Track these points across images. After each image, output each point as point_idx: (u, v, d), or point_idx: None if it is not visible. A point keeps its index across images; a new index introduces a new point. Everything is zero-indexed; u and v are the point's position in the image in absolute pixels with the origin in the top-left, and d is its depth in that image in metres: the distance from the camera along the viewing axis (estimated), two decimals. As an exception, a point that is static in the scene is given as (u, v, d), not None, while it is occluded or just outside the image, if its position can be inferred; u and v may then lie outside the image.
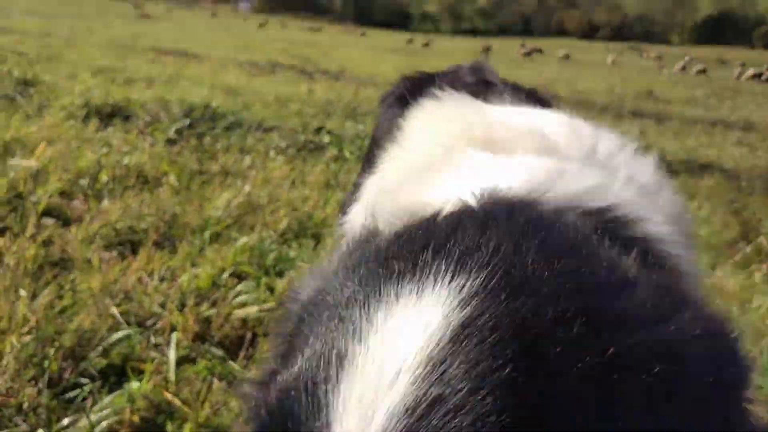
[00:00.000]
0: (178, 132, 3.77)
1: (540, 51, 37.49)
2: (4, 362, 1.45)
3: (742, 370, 0.45)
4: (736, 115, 8.78)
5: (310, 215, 2.65)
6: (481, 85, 0.98)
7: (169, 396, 1.45)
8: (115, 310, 1.71)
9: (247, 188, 2.85)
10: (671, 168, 4.16)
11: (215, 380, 1.53)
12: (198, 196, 2.71)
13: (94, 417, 1.35)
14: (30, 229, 2.08)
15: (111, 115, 4.04)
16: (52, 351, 1.50)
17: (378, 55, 18.79)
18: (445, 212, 0.54)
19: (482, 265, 0.44)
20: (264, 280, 2.03)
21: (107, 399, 1.42)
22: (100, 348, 1.57)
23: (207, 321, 1.76)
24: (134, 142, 3.45)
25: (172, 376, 1.52)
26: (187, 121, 3.94)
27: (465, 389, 0.37)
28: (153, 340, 1.66)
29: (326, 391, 0.40)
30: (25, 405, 1.37)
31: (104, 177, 2.76)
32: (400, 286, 0.44)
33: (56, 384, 1.45)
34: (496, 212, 0.52)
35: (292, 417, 0.42)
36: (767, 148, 5.94)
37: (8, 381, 1.41)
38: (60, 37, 10.91)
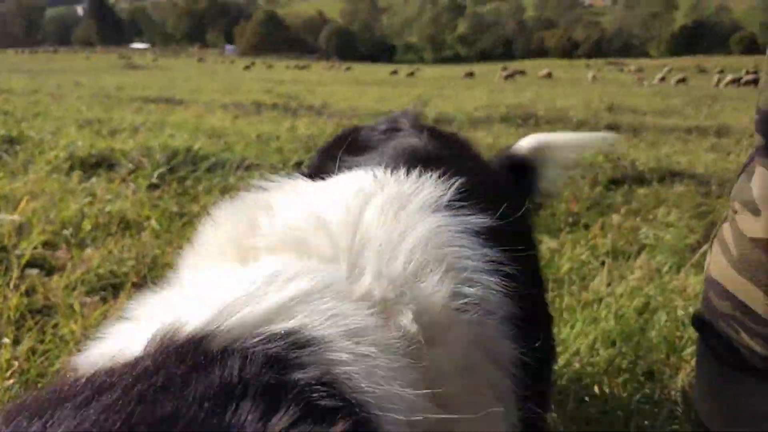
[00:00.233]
0: (161, 177, 3.88)
1: (522, 72, 38.28)
2: (-12, 407, 1.52)
3: None
4: (711, 121, 8.97)
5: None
6: (388, 132, 0.99)
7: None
8: (95, 351, 1.78)
9: (226, 226, 2.93)
10: (643, 177, 4.28)
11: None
12: (179, 237, 2.80)
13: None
14: (14, 281, 2.17)
15: (95, 165, 4.16)
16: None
17: (361, 88, 19.15)
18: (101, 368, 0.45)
19: None
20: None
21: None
22: (80, 388, 1.64)
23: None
24: (117, 190, 3.55)
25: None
26: (169, 166, 4.06)
27: None
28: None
29: None
30: (9, 446, 1.43)
31: (87, 226, 2.85)
32: None
33: (39, 424, 1.51)
34: (157, 364, 0.43)
35: None
36: (740, 151, 6.09)
37: (-8, 424, 1.48)
38: (47, 94, 11.13)
